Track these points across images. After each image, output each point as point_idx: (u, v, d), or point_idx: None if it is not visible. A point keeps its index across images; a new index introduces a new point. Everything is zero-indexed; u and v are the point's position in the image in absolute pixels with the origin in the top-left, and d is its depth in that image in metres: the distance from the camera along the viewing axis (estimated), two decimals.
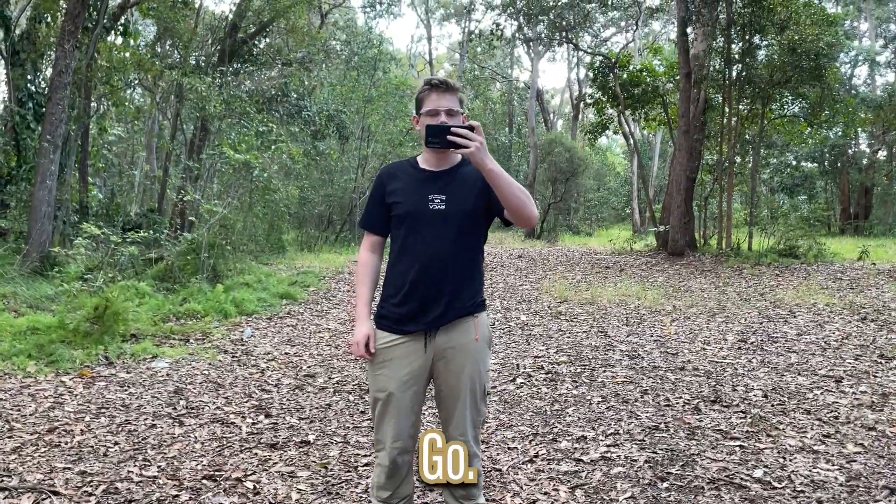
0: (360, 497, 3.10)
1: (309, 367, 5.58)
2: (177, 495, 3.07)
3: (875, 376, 5.14)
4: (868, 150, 31.85)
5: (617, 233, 24.04)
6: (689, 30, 15.89)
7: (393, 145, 19.92)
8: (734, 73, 15.79)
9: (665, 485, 3.18)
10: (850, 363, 5.58)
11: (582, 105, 27.37)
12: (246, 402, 4.56)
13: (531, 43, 24.67)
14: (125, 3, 12.45)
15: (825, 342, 6.37)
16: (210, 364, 5.48)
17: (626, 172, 38.69)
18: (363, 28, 25.34)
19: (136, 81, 15.41)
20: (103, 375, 4.99)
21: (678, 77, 16.03)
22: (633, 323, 7.53)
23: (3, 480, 3.14)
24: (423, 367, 2.34)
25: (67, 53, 9.75)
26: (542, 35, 21.13)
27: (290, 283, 9.90)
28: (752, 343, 6.38)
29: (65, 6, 10.93)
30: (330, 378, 5.24)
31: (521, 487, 3.19)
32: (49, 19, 12.38)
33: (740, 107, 17.09)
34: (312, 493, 3.14)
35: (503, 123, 36.96)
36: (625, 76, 18.80)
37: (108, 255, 6.77)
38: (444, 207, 2.31)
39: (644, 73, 18.55)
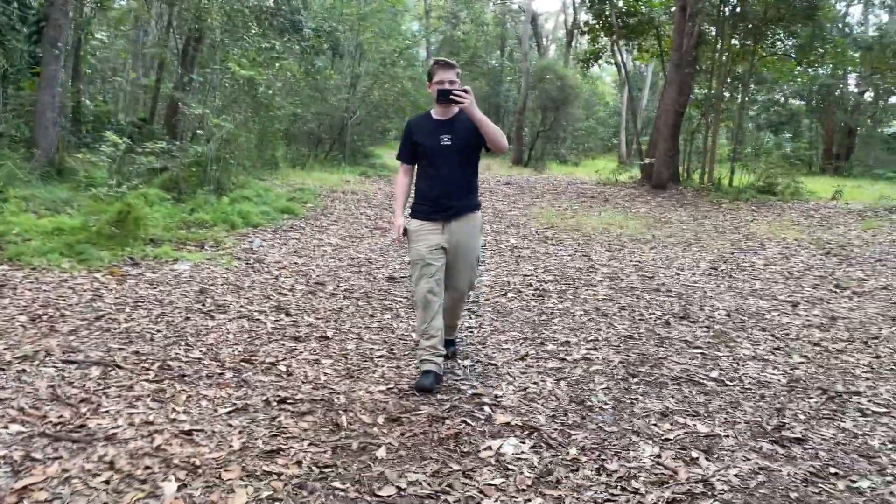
0: (378, 380, 3.65)
1: (317, 276, 6.08)
2: (221, 373, 3.60)
3: (828, 303, 5.75)
4: (856, 91, 32.07)
5: (603, 164, 24.41)
6: None
7: (385, 65, 19.86)
8: (728, 9, 15.87)
9: (635, 380, 3.76)
10: (808, 291, 6.18)
11: (576, 32, 27.13)
12: (266, 302, 5.06)
13: None
14: None
15: (788, 272, 6.98)
16: (227, 269, 5.95)
17: (615, 103, 38.69)
18: None
19: None
20: (132, 275, 5.45)
21: (674, 9, 16.11)
22: (615, 249, 8.08)
23: (70, 355, 3.64)
24: (441, 241, 3.56)
25: None
26: None
27: (288, 198, 10.27)
28: (721, 270, 6.97)
29: None
30: (338, 286, 5.74)
31: (514, 378, 3.75)
32: None
33: (733, 42, 17.26)
34: (337, 376, 3.68)
35: (495, 46, 36.55)
36: (621, 5, 18.77)
37: (124, 163, 7.08)
38: (450, 143, 3.54)
39: (640, 3, 18.53)
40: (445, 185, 3.55)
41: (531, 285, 6.05)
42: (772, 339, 4.65)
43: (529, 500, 2.49)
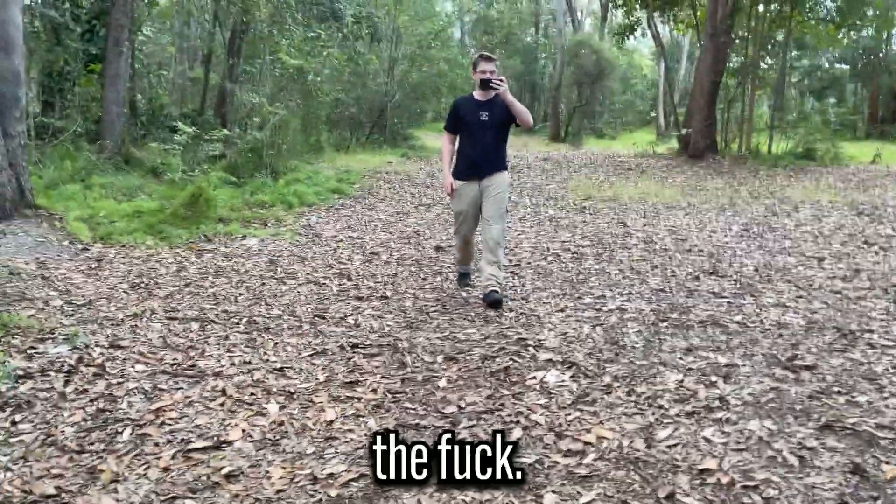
0: (435, 329, 4.15)
1: (371, 247, 6.61)
2: (300, 325, 4.15)
3: (854, 258, 6.05)
4: None
5: (641, 137, 24.47)
6: None
7: (422, 47, 20.27)
8: None
9: (665, 324, 4.19)
10: (836, 248, 6.48)
11: (611, 5, 27.04)
12: (329, 270, 5.61)
13: None
14: None
15: (818, 231, 7.26)
16: (290, 243, 6.53)
17: (653, 75, 38.32)
18: None
19: None
20: (207, 249, 6.07)
21: None
22: (650, 216, 8.43)
23: (171, 314, 4.24)
24: (477, 196, 4.66)
25: None
26: None
27: (336, 180, 10.84)
28: (753, 232, 7.28)
29: None
30: (391, 256, 6.26)
31: (555, 326, 4.21)
32: None
33: (771, 7, 17.16)
34: (398, 327, 4.20)
35: (529, 23, 36.52)
36: None
37: (191, 151, 7.72)
38: (487, 119, 4.59)
39: None
40: (481, 151, 4.62)
41: (569, 250, 6.48)
42: (795, 289, 5.01)
43: (570, 414, 2.97)
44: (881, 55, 29.52)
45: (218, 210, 7.05)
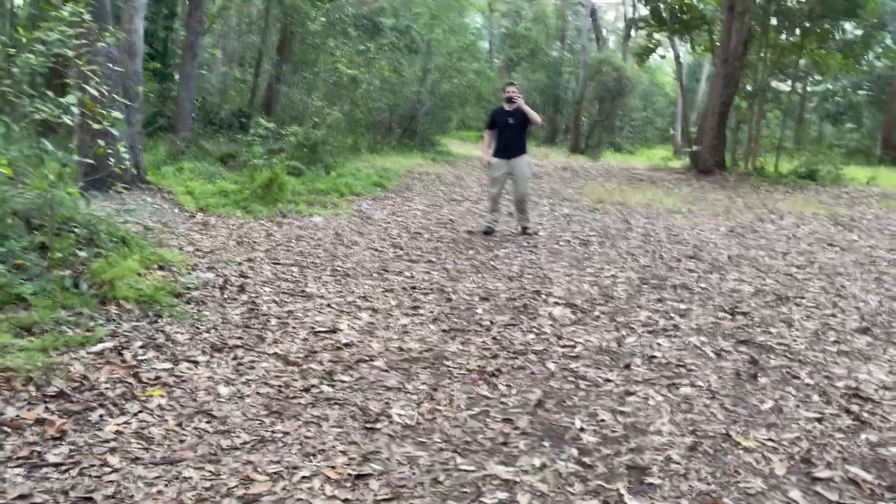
0: (471, 282, 5.51)
1: (414, 228, 7.98)
2: (370, 274, 5.53)
3: (815, 254, 7.33)
4: None
5: (658, 153, 25.72)
6: None
7: (453, 60, 21.72)
8: (772, 9, 17.07)
9: (646, 286, 5.52)
10: (803, 247, 7.76)
11: (633, 28, 28.33)
12: (383, 242, 6.99)
13: None
14: None
15: (793, 234, 8.53)
16: (348, 221, 7.93)
17: (674, 93, 39.52)
18: None
19: None
20: (285, 222, 7.48)
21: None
22: (652, 217, 9.74)
23: (273, 260, 5.64)
24: (507, 170, 7.51)
25: None
26: None
27: (377, 176, 12.25)
28: (736, 232, 8.58)
29: None
30: (432, 235, 7.63)
31: (562, 284, 5.55)
32: None
33: (784, 36, 18.39)
34: (443, 280, 5.56)
35: (555, 38, 37.90)
36: (675, 2, 20.09)
37: (266, 143, 9.16)
38: (512, 122, 7.44)
39: (693, 1, 19.82)
40: (510, 141, 7.46)
41: (578, 238, 7.81)
42: (756, 271, 6.32)
43: (568, 328, 4.31)
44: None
45: (287, 193, 8.46)
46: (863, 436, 3.01)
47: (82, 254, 4.25)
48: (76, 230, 4.46)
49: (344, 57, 12.33)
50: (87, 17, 4.50)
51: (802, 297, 5.34)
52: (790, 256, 7.11)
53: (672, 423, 3.05)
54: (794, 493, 2.53)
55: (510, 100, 7.38)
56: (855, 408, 3.29)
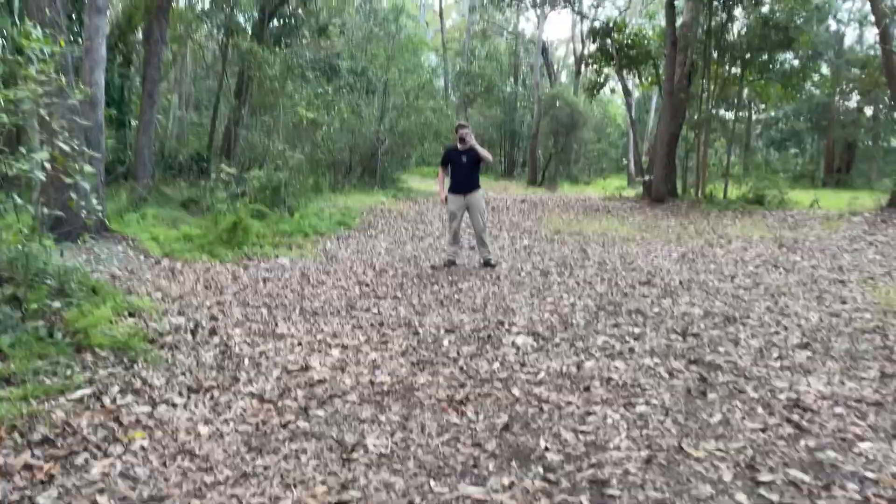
0: (437, 315, 5.70)
1: (379, 266, 8.17)
2: (339, 311, 5.69)
3: (760, 276, 7.72)
4: (855, 107, 33.78)
5: (613, 182, 26.45)
6: (676, 2, 18.06)
7: (410, 99, 22.18)
8: (713, 43, 17.96)
9: (602, 312, 5.79)
10: (749, 269, 8.16)
11: (583, 64, 29.30)
12: (349, 280, 7.16)
13: (537, 4, 26.61)
14: None
15: (740, 258, 8.96)
16: (315, 261, 8.08)
17: (625, 124, 40.77)
18: None
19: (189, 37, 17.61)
20: (251, 265, 7.60)
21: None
22: (607, 245, 10.11)
23: (242, 303, 5.76)
24: (463, 205, 7.98)
25: (160, 25, 12.06)
26: None
27: (340, 215, 12.44)
28: (687, 258, 8.97)
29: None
30: (397, 272, 7.83)
31: (524, 313, 5.79)
32: None
33: (725, 69, 19.30)
34: (410, 314, 5.75)
35: (509, 74, 38.90)
36: (621, 38, 20.95)
37: (230, 186, 9.29)
38: (465, 160, 7.93)
39: (639, 38, 20.71)
40: (465, 178, 7.95)
41: (538, 269, 8.10)
42: (705, 294, 6.66)
43: (530, 356, 4.53)
44: (838, 108, 32.00)
45: (251, 236, 8.58)
46: (802, 442, 3.27)
47: (55, 304, 4.33)
48: (48, 281, 4.55)
49: (303, 100, 12.60)
50: (53, 75, 4.65)
51: (748, 317, 5.67)
52: (738, 279, 7.49)
53: (629, 439, 3.27)
54: (740, 496, 2.76)
55: (462, 139, 7.81)
56: (796, 417, 3.56)
